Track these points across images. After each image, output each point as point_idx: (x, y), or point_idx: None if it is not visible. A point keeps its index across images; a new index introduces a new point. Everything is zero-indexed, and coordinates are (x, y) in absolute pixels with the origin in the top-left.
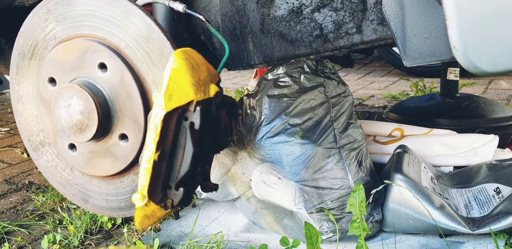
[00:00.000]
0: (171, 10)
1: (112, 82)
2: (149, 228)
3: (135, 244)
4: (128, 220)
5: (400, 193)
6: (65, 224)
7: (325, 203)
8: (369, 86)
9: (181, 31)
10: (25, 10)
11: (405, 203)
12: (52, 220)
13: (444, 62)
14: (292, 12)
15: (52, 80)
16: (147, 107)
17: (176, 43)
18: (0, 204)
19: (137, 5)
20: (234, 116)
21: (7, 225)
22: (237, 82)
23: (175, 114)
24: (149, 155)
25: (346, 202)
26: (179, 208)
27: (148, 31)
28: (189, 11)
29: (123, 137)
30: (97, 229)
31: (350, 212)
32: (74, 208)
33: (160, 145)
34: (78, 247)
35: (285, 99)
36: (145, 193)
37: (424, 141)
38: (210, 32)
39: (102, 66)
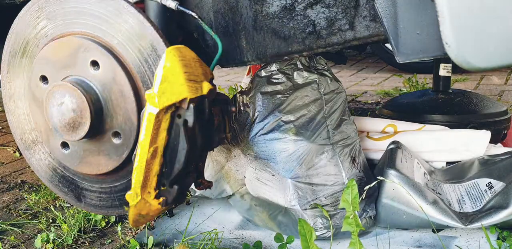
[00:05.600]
0: (163, 7)
1: (105, 80)
2: (143, 226)
3: (129, 242)
4: (122, 218)
5: (393, 189)
6: (58, 223)
7: (319, 199)
8: (362, 82)
9: (173, 28)
10: (16, 8)
11: (398, 198)
12: (45, 219)
13: (436, 58)
14: (285, 9)
15: (44, 78)
16: (140, 104)
17: (169, 40)
18: None
19: (129, 2)
20: (227, 113)
21: None
22: (230, 79)
23: (169, 112)
24: (142, 153)
25: (340, 198)
26: (173, 205)
27: (141, 29)
28: (181, 8)
29: (116, 135)
30: (91, 227)
31: (344, 208)
32: (68, 207)
33: (153, 143)
34: (72, 246)
35: (278, 96)
36: (139, 191)
37: (417, 137)
38: (203, 29)
39: (94, 64)
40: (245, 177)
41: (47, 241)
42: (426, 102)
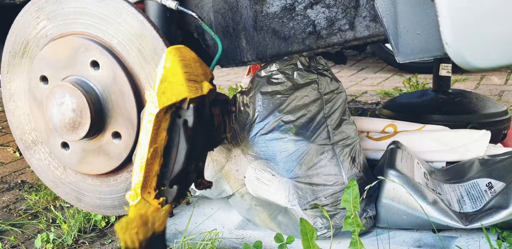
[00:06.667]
0: (163, 8)
1: (105, 80)
2: None
3: None
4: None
5: (393, 189)
6: (58, 223)
7: (319, 199)
8: (362, 82)
9: (173, 28)
10: (16, 8)
11: (398, 198)
12: (45, 219)
13: (436, 58)
14: (285, 9)
15: (44, 78)
16: (140, 104)
17: (169, 40)
18: None
19: (129, 2)
20: (227, 113)
21: None
22: (230, 79)
23: (169, 112)
24: (142, 153)
25: (340, 198)
26: (173, 205)
27: (141, 29)
28: (181, 8)
29: (116, 135)
30: (91, 227)
31: (344, 208)
32: (68, 207)
33: (153, 143)
34: (72, 246)
35: (278, 96)
36: (139, 191)
37: (417, 137)
38: (203, 29)
39: (95, 64)
40: (245, 177)
41: (47, 241)
42: (426, 102)
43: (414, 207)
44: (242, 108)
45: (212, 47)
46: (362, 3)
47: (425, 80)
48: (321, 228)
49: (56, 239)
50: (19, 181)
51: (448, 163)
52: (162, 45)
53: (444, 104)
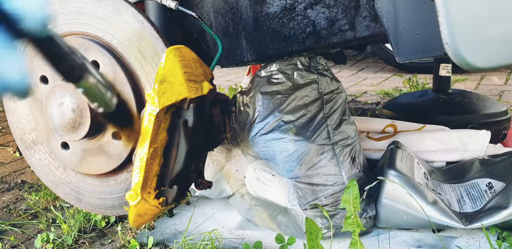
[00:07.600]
0: (163, 8)
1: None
2: (143, 226)
3: (129, 243)
4: (122, 219)
5: (393, 189)
6: (58, 223)
7: (319, 199)
8: (362, 82)
9: (173, 28)
10: None
11: (398, 198)
12: (45, 219)
13: (436, 58)
14: (285, 9)
15: (44, 79)
16: (140, 105)
17: (169, 40)
18: None
19: (129, 2)
20: (227, 113)
21: None
22: (230, 79)
23: (169, 112)
24: (142, 153)
25: (340, 198)
26: (173, 205)
27: (141, 29)
28: (181, 8)
29: (116, 135)
30: (91, 227)
31: (344, 209)
32: (68, 207)
33: (153, 143)
34: (72, 246)
35: (278, 96)
36: (139, 191)
37: (417, 137)
38: (203, 30)
39: (95, 64)
40: (245, 177)
41: (47, 241)
42: (426, 102)
43: (414, 207)
44: (242, 108)
45: (212, 47)
46: (362, 3)
47: (425, 80)
48: (321, 228)
49: (56, 239)
50: (19, 181)
51: (448, 163)
52: (162, 45)
53: (444, 104)
